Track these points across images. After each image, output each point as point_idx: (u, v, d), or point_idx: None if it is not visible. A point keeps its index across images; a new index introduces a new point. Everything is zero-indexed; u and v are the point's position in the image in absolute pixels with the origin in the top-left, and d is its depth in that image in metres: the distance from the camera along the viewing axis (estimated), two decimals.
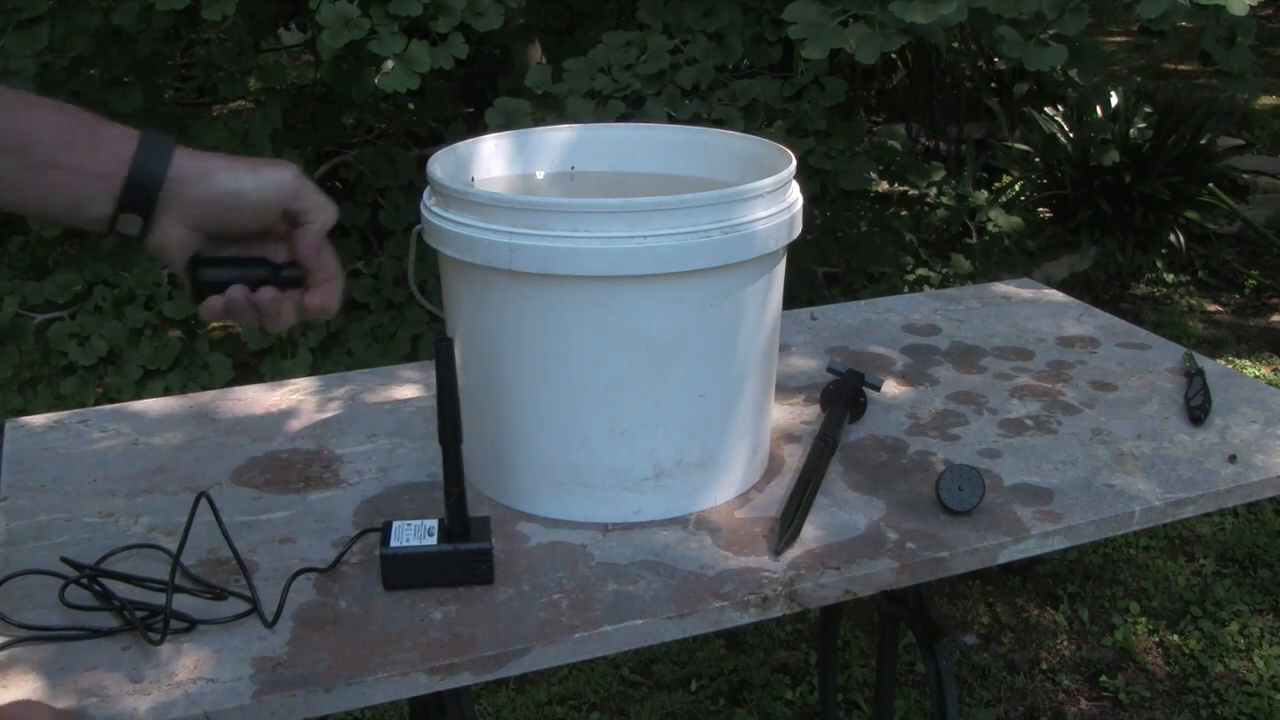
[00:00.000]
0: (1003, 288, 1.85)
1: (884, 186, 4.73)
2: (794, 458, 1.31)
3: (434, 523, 1.09)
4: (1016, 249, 4.34)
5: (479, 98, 4.13)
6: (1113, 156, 4.50)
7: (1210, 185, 4.71)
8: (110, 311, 3.04)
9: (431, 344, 1.08)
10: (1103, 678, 2.42)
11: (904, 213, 4.41)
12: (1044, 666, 2.46)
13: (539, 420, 1.16)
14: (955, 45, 4.71)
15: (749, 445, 1.23)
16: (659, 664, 2.46)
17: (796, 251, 1.28)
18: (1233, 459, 1.29)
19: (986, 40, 4.26)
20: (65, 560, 1.09)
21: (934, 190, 4.54)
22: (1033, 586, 2.72)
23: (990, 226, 4.39)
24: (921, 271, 3.94)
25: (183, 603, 1.04)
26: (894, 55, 5.24)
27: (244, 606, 1.04)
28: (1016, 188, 4.89)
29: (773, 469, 1.29)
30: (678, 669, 2.45)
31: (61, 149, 0.84)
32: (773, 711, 2.33)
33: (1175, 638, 2.55)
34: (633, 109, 2.65)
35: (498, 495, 1.22)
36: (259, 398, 1.47)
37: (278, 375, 3.10)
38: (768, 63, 2.93)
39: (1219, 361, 1.61)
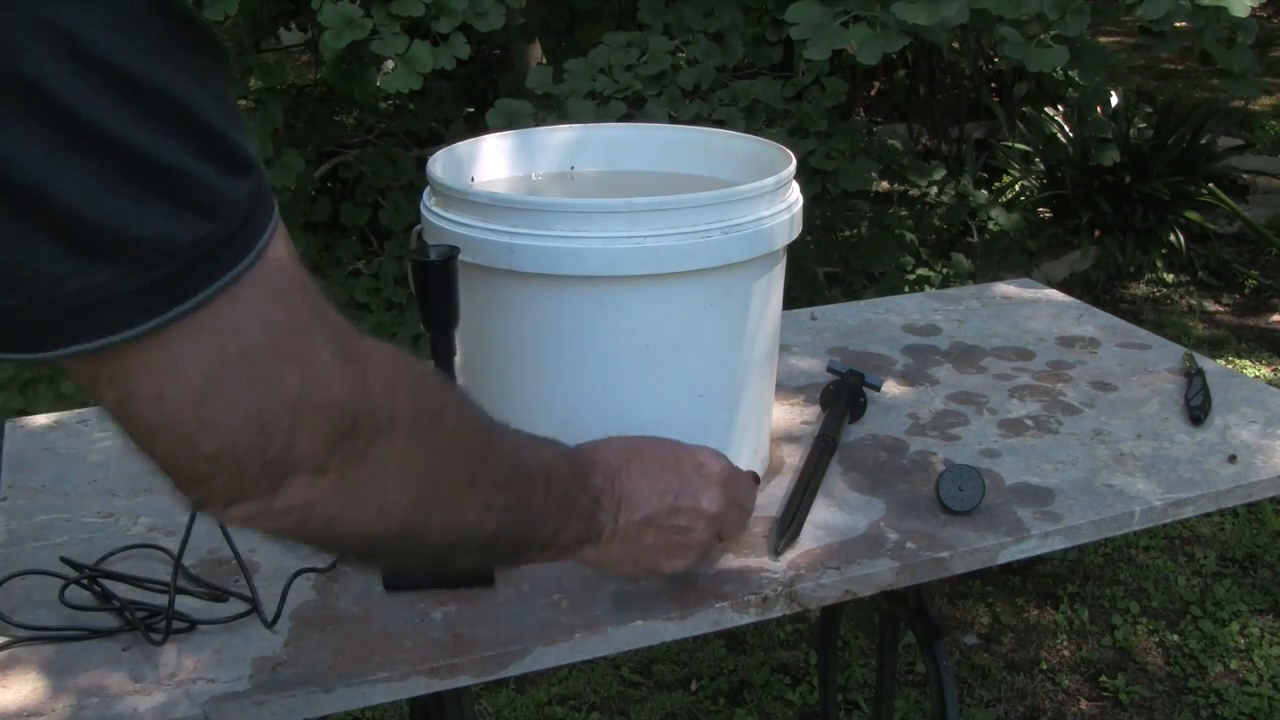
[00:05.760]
0: (1003, 288, 1.85)
1: (884, 186, 4.74)
2: (794, 458, 1.31)
3: None
4: (1017, 249, 4.35)
5: (479, 98, 4.13)
6: (1113, 156, 4.50)
7: (1210, 185, 4.72)
8: None
9: (430, 345, 1.08)
10: (1103, 678, 2.42)
11: (904, 213, 4.41)
12: (1044, 666, 2.46)
13: (539, 420, 1.16)
14: (956, 45, 4.71)
15: (749, 445, 1.23)
16: (659, 664, 2.46)
17: (796, 251, 1.28)
18: (1233, 459, 1.29)
19: (987, 41, 4.26)
20: (65, 560, 1.09)
21: (934, 190, 4.54)
22: (1033, 586, 2.72)
23: (991, 225, 4.40)
24: (922, 271, 3.95)
25: (183, 603, 1.04)
26: (894, 55, 5.25)
27: (244, 607, 1.04)
28: (1017, 188, 4.89)
29: (773, 469, 1.29)
30: (678, 669, 2.45)
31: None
32: (773, 711, 2.33)
33: (1175, 638, 2.55)
34: (634, 110, 2.65)
35: None
36: None
37: None
38: (769, 63, 2.94)
39: (1219, 361, 1.61)
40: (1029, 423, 1.39)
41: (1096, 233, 4.56)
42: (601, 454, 0.91)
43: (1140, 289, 4.46)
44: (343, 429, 0.62)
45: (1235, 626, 2.57)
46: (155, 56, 0.53)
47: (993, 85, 5.35)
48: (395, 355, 0.67)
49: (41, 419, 1.41)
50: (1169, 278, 4.50)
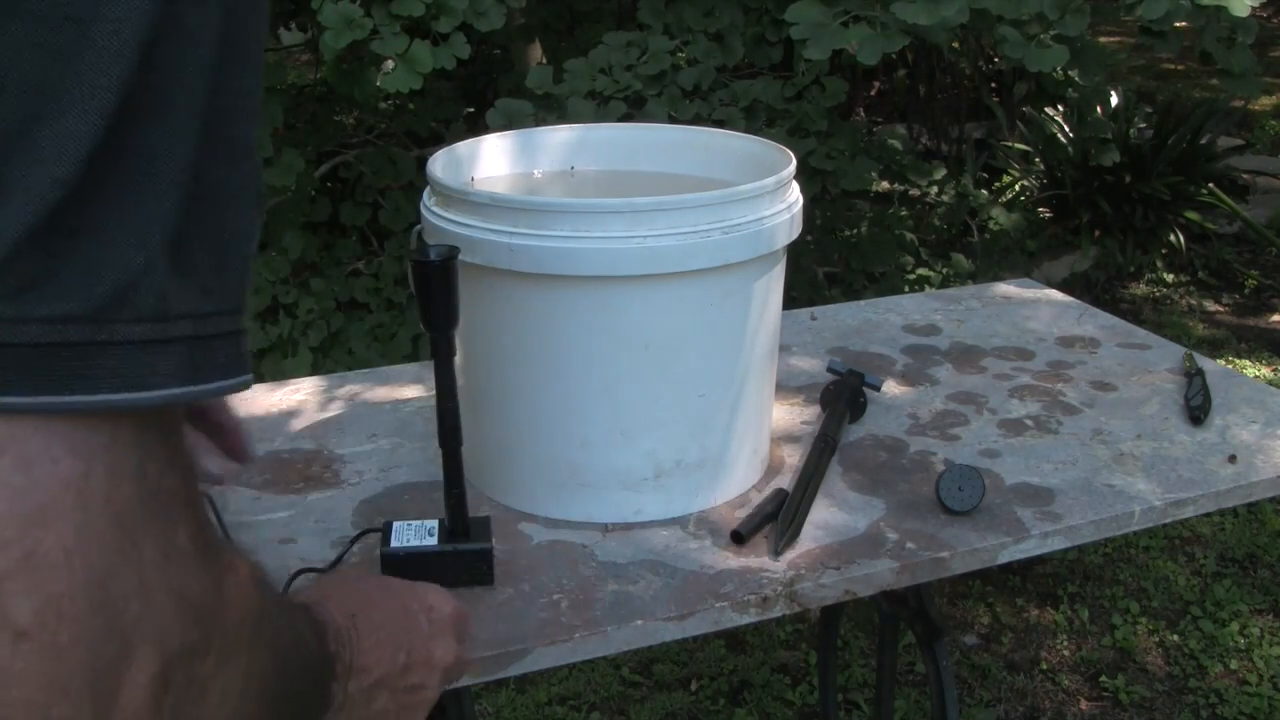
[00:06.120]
0: (1003, 288, 1.85)
1: (884, 186, 4.74)
2: (794, 458, 1.31)
3: (434, 523, 1.09)
4: (1017, 249, 4.35)
5: (479, 98, 4.13)
6: (1113, 156, 4.50)
7: (1210, 185, 4.72)
8: None
9: (431, 344, 1.08)
10: (1103, 678, 2.42)
11: (904, 213, 4.41)
12: (1044, 666, 2.46)
13: (539, 420, 1.16)
14: (956, 45, 4.71)
15: (749, 445, 1.23)
16: (659, 664, 2.46)
17: (796, 251, 1.28)
18: (1233, 459, 1.29)
19: (987, 41, 4.26)
20: None
21: (934, 190, 4.54)
22: (1033, 586, 2.72)
23: (991, 225, 4.40)
24: (922, 271, 3.95)
25: None
26: (894, 55, 5.25)
27: None
28: (1017, 188, 4.90)
29: (773, 469, 1.29)
30: (678, 669, 2.45)
31: None
32: (773, 711, 2.33)
33: (1175, 638, 2.55)
34: (634, 110, 2.65)
35: (498, 495, 1.22)
36: (259, 398, 1.47)
37: (278, 375, 3.09)
38: (769, 63, 2.94)
39: (1219, 361, 1.61)
40: (1029, 423, 1.39)
41: (1096, 233, 4.56)
42: (328, 610, 0.77)
43: (1140, 289, 4.46)
44: (188, 643, 0.48)
45: (1235, 626, 2.57)
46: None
47: (993, 85, 5.35)
48: (246, 562, 0.58)
49: None
50: (1169, 278, 4.50)
